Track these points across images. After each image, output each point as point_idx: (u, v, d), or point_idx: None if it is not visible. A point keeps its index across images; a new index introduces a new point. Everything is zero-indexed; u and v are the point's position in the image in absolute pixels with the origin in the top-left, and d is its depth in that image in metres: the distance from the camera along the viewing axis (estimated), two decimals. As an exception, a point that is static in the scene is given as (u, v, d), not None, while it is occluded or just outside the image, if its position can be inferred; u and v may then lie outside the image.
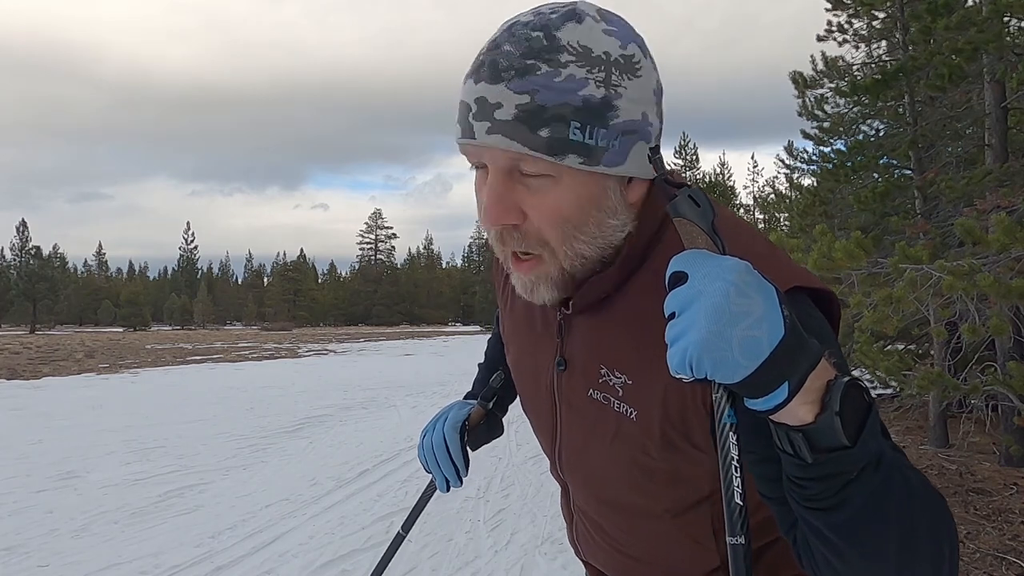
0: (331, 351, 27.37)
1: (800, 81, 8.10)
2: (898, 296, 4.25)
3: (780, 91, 9.71)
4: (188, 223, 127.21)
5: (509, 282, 0.88)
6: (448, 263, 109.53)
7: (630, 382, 0.79)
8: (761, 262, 0.60)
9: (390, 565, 1.26)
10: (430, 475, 1.17)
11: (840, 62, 8.18)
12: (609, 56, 0.69)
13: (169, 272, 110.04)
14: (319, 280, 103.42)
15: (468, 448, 1.18)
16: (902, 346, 7.52)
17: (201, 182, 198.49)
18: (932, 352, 6.61)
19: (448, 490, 1.16)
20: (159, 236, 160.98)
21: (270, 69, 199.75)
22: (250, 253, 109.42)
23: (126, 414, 9.49)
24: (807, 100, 8.45)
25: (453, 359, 21.81)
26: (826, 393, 0.57)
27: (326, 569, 3.58)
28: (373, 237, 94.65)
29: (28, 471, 5.97)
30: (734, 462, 0.58)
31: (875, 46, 8.66)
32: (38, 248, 73.77)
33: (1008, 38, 5.35)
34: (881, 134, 8.55)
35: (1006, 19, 5.16)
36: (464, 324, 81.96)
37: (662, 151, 0.78)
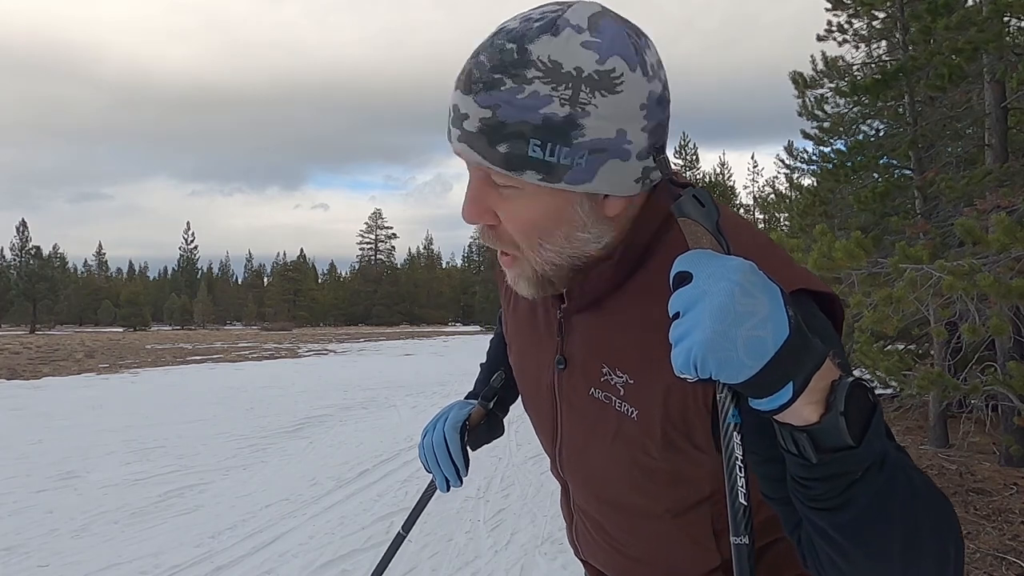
0: (331, 351, 27.37)
1: (800, 81, 8.10)
2: (898, 296, 4.25)
3: (780, 91, 9.72)
4: (188, 223, 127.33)
5: None
6: (448, 263, 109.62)
7: (631, 382, 0.79)
8: (765, 263, 0.60)
9: (390, 565, 1.26)
10: (430, 475, 1.17)
11: (840, 62, 8.19)
12: (580, 72, 0.66)
13: (169, 272, 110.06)
14: (319, 280, 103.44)
15: (468, 448, 1.18)
16: (902, 346, 7.52)
17: (201, 182, 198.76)
18: (932, 352, 6.62)
19: (448, 490, 1.16)
20: (159, 236, 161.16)
21: (270, 69, 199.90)
22: (250, 253, 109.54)
23: (126, 414, 9.49)
24: (807, 100, 8.45)
25: (453, 359, 21.81)
26: (831, 393, 0.57)
27: (326, 569, 3.58)
28: (373, 237, 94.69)
29: (28, 471, 5.97)
30: (738, 462, 0.58)
31: (875, 46, 8.67)
32: (38, 248, 73.88)
33: (1008, 38, 5.35)
34: (881, 134, 8.55)
35: (1006, 19, 5.16)
36: (464, 324, 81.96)
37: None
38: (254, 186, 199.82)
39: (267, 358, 23.01)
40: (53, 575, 3.61)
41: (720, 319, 0.54)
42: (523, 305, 0.97)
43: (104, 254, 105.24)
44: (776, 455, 0.62)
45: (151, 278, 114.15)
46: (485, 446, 1.23)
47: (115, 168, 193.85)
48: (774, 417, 0.58)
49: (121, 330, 67.40)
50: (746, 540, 0.58)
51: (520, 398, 1.07)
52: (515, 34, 0.68)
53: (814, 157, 9.84)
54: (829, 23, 7.96)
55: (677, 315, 0.58)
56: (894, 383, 5.59)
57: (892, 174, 7.78)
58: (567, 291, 0.84)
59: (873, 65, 8.09)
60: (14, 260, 74.62)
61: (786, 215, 13.13)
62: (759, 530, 0.62)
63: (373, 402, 10.71)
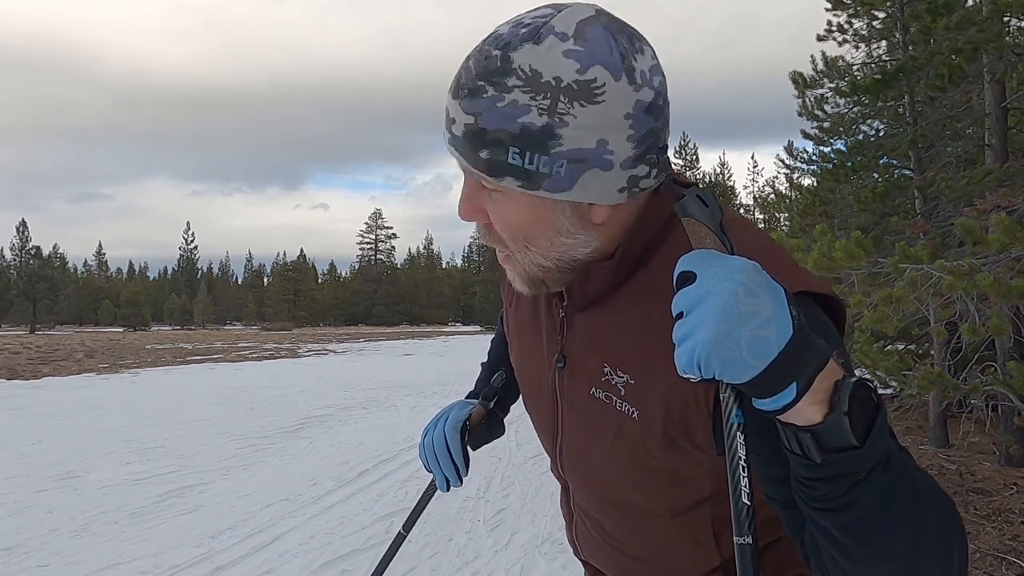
0: (331, 351, 27.37)
1: (800, 81, 8.10)
2: (898, 296, 4.25)
3: (780, 91, 9.71)
4: (188, 223, 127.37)
5: None
6: (448, 263, 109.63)
7: (632, 381, 0.79)
8: (768, 263, 0.60)
9: (391, 565, 1.26)
10: (431, 475, 1.17)
11: (840, 62, 8.18)
12: (559, 82, 0.65)
13: (169, 272, 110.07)
14: (319, 280, 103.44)
15: (469, 448, 1.18)
16: (902, 346, 7.52)
17: (201, 182, 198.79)
18: (932, 352, 6.62)
19: (448, 489, 1.16)
20: (159, 236, 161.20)
21: (270, 69, 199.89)
22: (250, 253, 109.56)
23: (126, 414, 9.49)
24: (807, 100, 8.45)
25: (453, 359, 21.81)
26: (834, 393, 0.57)
27: (326, 569, 3.58)
28: (373, 237, 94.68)
29: (28, 471, 5.97)
30: (741, 462, 0.59)
31: (875, 46, 8.67)
32: (38, 248, 73.87)
33: (1008, 38, 5.35)
34: (881, 134, 8.55)
35: (1006, 19, 5.16)
36: (464, 324, 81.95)
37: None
38: (254, 186, 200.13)
39: (267, 358, 23.01)
40: (53, 575, 3.61)
41: (724, 319, 0.54)
42: (525, 304, 0.97)
43: (104, 254, 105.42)
44: (778, 457, 0.62)
45: (151, 278, 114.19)
46: (485, 446, 1.23)
47: (115, 168, 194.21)
48: (778, 417, 0.58)
49: (121, 330, 67.40)
50: (749, 540, 0.58)
51: (521, 397, 1.07)
52: (502, 41, 0.68)
53: (814, 157, 9.86)
54: (829, 23, 7.96)
55: (680, 315, 0.58)
56: (894, 383, 5.58)
57: (892, 174, 7.78)
58: (567, 290, 0.84)
59: (873, 65, 8.09)
60: (14, 260, 74.66)
61: (786, 215, 13.12)
62: (759, 530, 0.63)
63: (373, 402, 10.71)
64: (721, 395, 0.59)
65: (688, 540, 0.88)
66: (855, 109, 8.42)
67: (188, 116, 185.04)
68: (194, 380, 15.00)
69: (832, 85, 8.21)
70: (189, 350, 28.00)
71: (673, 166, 0.70)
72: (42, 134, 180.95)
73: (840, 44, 8.09)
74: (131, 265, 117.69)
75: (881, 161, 7.49)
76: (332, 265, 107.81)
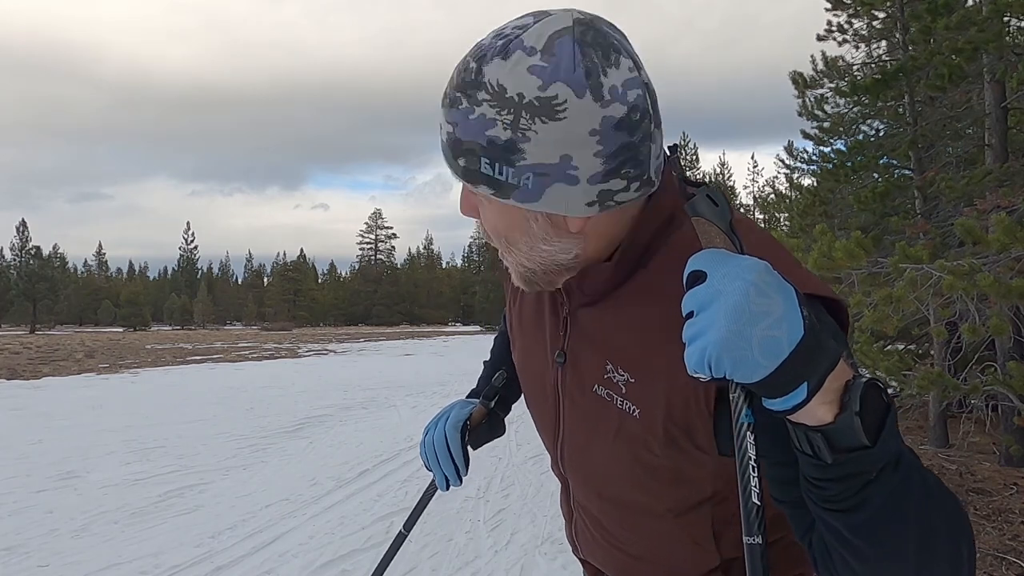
0: (331, 351, 27.36)
1: (800, 81, 8.10)
2: (898, 296, 4.26)
3: (780, 91, 9.71)
4: (188, 223, 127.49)
5: None
6: (448, 263, 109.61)
7: (633, 380, 0.79)
8: (776, 265, 0.60)
9: (391, 564, 1.26)
10: (431, 474, 1.18)
11: (840, 62, 8.18)
12: (522, 98, 0.66)
13: (169, 272, 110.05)
14: (319, 280, 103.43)
15: (469, 447, 1.18)
16: (902, 346, 7.52)
17: (201, 182, 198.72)
18: (932, 352, 6.62)
19: (448, 489, 1.16)
20: (159, 236, 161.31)
21: (270, 69, 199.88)
22: (250, 253, 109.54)
23: (126, 414, 9.49)
24: (807, 100, 8.45)
25: (453, 359, 21.81)
26: (845, 393, 0.57)
27: (326, 569, 3.58)
28: (373, 237, 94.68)
29: (28, 471, 5.97)
30: (751, 462, 0.58)
31: (875, 46, 8.66)
32: (38, 248, 73.84)
33: (1008, 38, 5.35)
34: (881, 134, 8.55)
35: (1006, 19, 5.16)
36: (464, 324, 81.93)
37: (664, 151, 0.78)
38: (254, 186, 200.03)
39: (267, 358, 23.01)
40: (53, 575, 3.61)
41: (735, 318, 0.54)
42: (529, 302, 0.97)
43: (104, 254, 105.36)
44: (786, 458, 0.62)
45: (151, 278, 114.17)
46: (486, 446, 1.23)
47: (115, 168, 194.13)
48: (788, 417, 0.58)
49: (121, 330, 67.39)
50: (759, 540, 0.58)
51: (523, 396, 1.07)
52: (479, 53, 0.69)
53: (814, 157, 9.85)
54: (829, 23, 7.96)
55: (691, 314, 0.58)
56: (894, 383, 5.59)
57: (892, 174, 7.78)
58: (566, 289, 0.84)
59: (873, 65, 8.09)
60: (14, 260, 74.60)
61: (786, 215, 13.11)
62: None
63: (373, 402, 10.71)
64: (731, 395, 0.59)
65: (688, 540, 0.88)
66: (855, 109, 8.42)
67: (188, 116, 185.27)
68: (194, 380, 15.00)
69: (832, 85, 8.21)
70: (189, 350, 28.00)
71: (683, 167, 0.70)
72: (42, 134, 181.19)
73: (840, 44, 8.10)
74: (131, 265, 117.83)
75: (881, 161, 7.49)
76: (332, 265, 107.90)
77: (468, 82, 0.68)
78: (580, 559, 1.07)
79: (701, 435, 0.76)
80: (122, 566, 3.66)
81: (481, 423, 1.20)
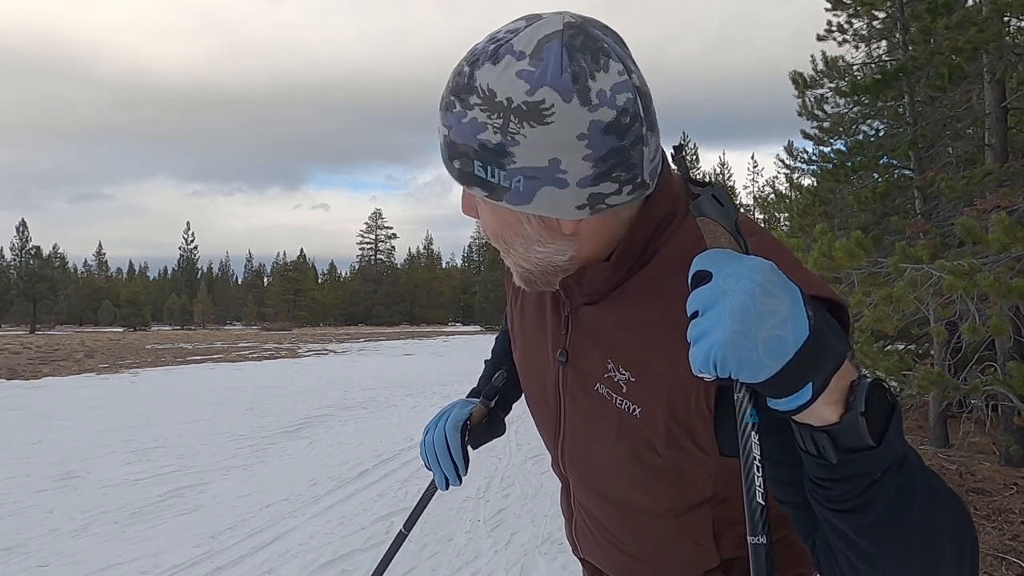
0: (331, 351, 27.36)
1: (800, 81, 8.10)
2: (898, 295, 4.26)
3: (780, 91, 9.73)
4: (188, 223, 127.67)
5: None
6: (448, 263, 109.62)
7: (633, 379, 0.79)
8: (780, 266, 0.60)
9: (391, 564, 1.26)
10: (431, 473, 1.18)
11: (840, 62, 8.18)
12: (510, 103, 0.66)
13: (169, 272, 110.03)
14: (319, 280, 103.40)
15: (469, 447, 1.18)
16: (902, 346, 7.52)
17: (201, 182, 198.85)
18: (932, 352, 6.62)
19: (447, 488, 1.16)
20: (159, 236, 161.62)
21: (270, 69, 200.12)
22: (250, 253, 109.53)
23: (126, 414, 9.49)
24: (807, 100, 8.45)
25: (453, 359, 21.81)
26: (850, 393, 0.57)
27: (326, 569, 3.58)
28: (373, 237, 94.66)
29: (28, 471, 5.96)
30: (756, 461, 0.58)
31: (875, 46, 8.66)
32: (38, 248, 73.70)
33: (1008, 38, 5.35)
34: (881, 134, 8.54)
35: (1006, 19, 5.16)
36: (464, 324, 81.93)
37: (663, 152, 0.78)
38: (254, 186, 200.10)
39: (267, 358, 23.00)
40: (53, 575, 3.61)
41: (741, 318, 0.54)
42: (530, 302, 0.98)
43: (104, 254, 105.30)
44: (789, 459, 0.62)
45: (151, 278, 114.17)
46: (486, 445, 1.23)
47: (115, 168, 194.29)
48: (793, 418, 0.58)
49: (121, 330, 67.38)
50: (763, 540, 0.58)
51: (523, 395, 1.07)
52: (472, 57, 0.70)
53: (814, 157, 9.85)
54: (829, 23, 7.95)
55: (696, 314, 0.58)
56: (894, 383, 5.59)
57: (892, 174, 7.78)
58: (565, 289, 0.85)
59: (873, 65, 8.09)
60: (14, 260, 74.56)
61: (786, 215, 13.11)
62: None
63: (373, 402, 10.71)
64: (735, 395, 0.59)
65: (688, 540, 0.88)
66: (855, 109, 8.42)
67: (188, 116, 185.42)
68: (194, 380, 15.00)
69: (832, 85, 8.21)
70: (189, 350, 28.00)
71: (688, 167, 0.70)
72: (42, 134, 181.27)
73: (840, 44, 8.09)
74: (131, 265, 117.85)
75: (881, 161, 7.49)
76: (332, 265, 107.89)
77: (461, 86, 0.69)
78: (580, 558, 1.07)
79: (702, 435, 0.76)
80: (122, 566, 3.66)
81: (481, 422, 1.20)
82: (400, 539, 1.27)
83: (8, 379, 15.06)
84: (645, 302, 0.78)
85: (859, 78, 7.14)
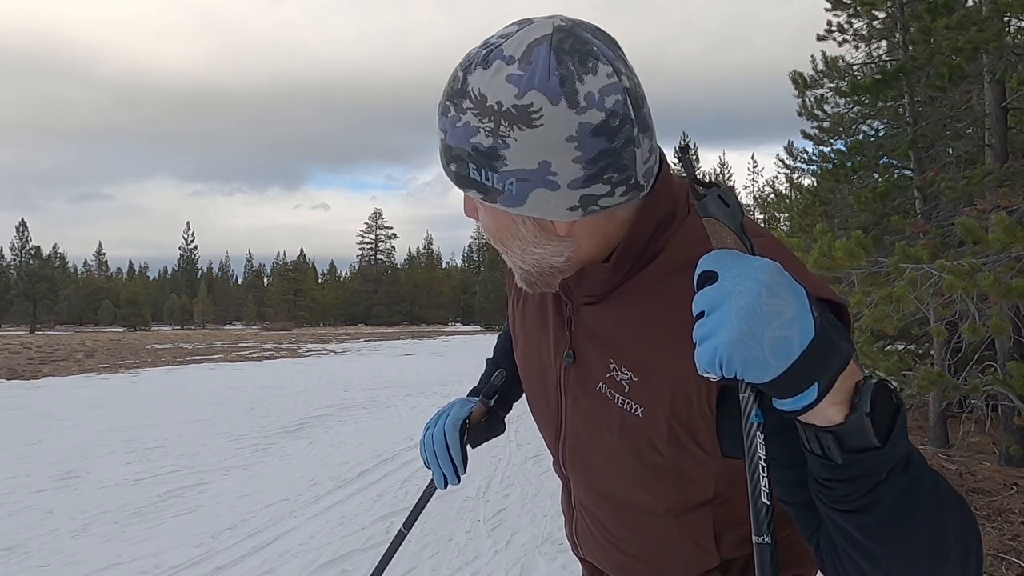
0: (331, 351, 27.36)
1: (800, 81, 8.10)
2: (898, 295, 4.26)
3: (780, 91, 9.73)
4: (188, 223, 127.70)
5: None
6: (448, 263, 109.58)
7: (636, 379, 0.79)
8: (784, 267, 0.60)
9: (390, 564, 1.26)
10: (431, 472, 1.18)
11: (840, 62, 8.18)
12: (500, 106, 0.67)
13: (169, 272, 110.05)
14: (319, 280, 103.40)
15: (468, 446, 1.18)
16: (902, 346, 7.53)
17: (201, 182, 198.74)
18: (932, 352, 6.62)
19: (446, 487, 1.17)
20: (159, 236, 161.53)
21: (270, 69, 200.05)
22: (250, 253, 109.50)
23: (126, 414, 9.49)
24: (807, 100, 8.45)
25: (453, 359, 21.81)
26: (855, 394, 0.57)
27: (326, 569, 3.58)
28: (373, 237, 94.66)
29: (28, 471, 5.97)
30: (761, 461, 0.58)
31: (875, 46, 8.67)
32: (38, 248, 73.68)
33: (1008, 38, 5.35)
34: (881, 134, 8.55)
35: (1006, 19, 5.16)
36: (464, 324, 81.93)
37: (661, 153, 0.78)
38: (254, 186, 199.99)
39: (267, 358, 23.00)
40: (53, 575, 3.61)
41: (747, 319, 0.54)
42: (532, 302, 0.98)
43: (104, 254, 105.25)
44: (794, 460, 0.62)
45: (151, 278, 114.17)
46: (485, 445, 1.23)
47: (115, 168, 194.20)
48: (798, 418, 0.58)
49: (121, 330, 67.39)
50: (768, 540, 0.58)
51: (524, 395, 1.07)
52: (466, 63, 0.71)
53: (814, 157, 9.85)
54: (829, 23, 7.96)
55: (701, 314, 0.58)
56: (894, 383, 5.58)
57: (892, 174, 7.78)
58: (565, 289, 0.85)
59: (873, 65, 8.09)
60: (14, 260, 74.54)
61: (786, 215, 13.12)
62: None
63: (373, 402, 10.71)
64: (741, 395, 0.59)
65: (688, 540, 0.88)
66: (855, 109, 8.42)
67: (188, 116, 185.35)
68: (194, 380, 15.00)
69: (832, 85, 8.21)
70: (189, 350, 28.00)
71: (694, 168, 0.70)
72: (42, 134, 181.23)
73: (840, 44, 8.10)
74: (131, 265, 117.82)
75: (881, 161, 7.49)
76: (332, 265, 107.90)
77: (455, 91, 0.71)
78: (580, 557, 1.08)
79: (704, 435, 0.76)
80: (122, 566, 3.66)
81: (480, 421, 1.20)
82: (400, 538, 1.28)
83: (8, 379, 15.07)
84: (647, 302, 0.78)
85: (859, 78, 7.14)
